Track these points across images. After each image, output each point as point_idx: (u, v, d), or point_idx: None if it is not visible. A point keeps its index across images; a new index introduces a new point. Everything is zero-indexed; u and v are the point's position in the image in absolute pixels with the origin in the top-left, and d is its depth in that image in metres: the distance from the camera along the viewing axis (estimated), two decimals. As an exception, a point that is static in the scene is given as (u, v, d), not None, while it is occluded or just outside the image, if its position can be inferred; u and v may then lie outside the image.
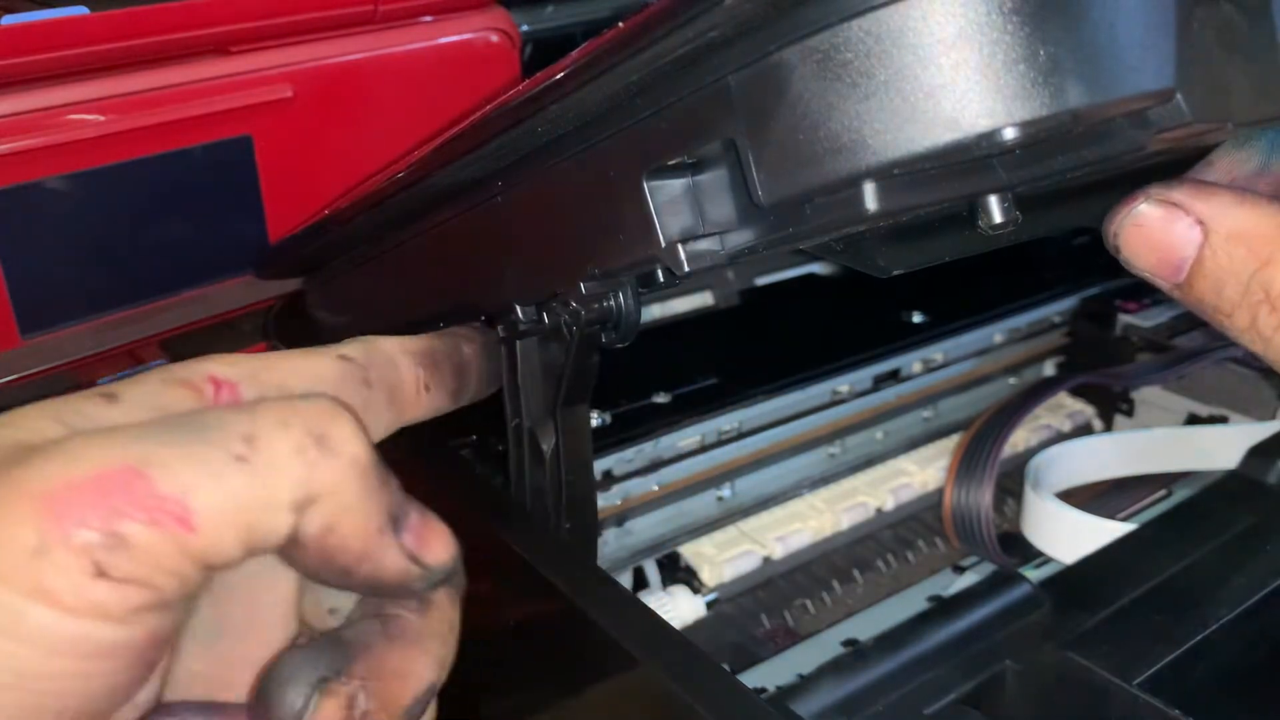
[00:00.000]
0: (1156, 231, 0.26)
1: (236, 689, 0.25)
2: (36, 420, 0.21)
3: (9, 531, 0.18)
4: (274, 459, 0.20)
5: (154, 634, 0.20)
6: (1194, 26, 0.23)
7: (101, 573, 0.19)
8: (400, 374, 0.29)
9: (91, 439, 0.20)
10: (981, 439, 0.47)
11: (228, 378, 0.24)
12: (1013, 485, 0.51)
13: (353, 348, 0.28)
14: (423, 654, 0.25)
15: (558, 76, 0.26)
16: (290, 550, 0.21)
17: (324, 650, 0.23)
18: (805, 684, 0.33)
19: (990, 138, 0.21)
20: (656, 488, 0.45)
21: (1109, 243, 0.27)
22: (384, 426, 0.28)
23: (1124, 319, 0.56)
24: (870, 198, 0.23)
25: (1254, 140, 0.28)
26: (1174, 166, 0.29)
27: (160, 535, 0.19)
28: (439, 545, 0.24)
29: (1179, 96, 0.23)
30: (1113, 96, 0.21)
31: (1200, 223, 0.26)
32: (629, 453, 0.44)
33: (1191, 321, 0.50)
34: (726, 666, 0.30)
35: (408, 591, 0.24)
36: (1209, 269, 0.25)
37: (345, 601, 0.27)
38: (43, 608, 0.18)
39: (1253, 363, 0.48)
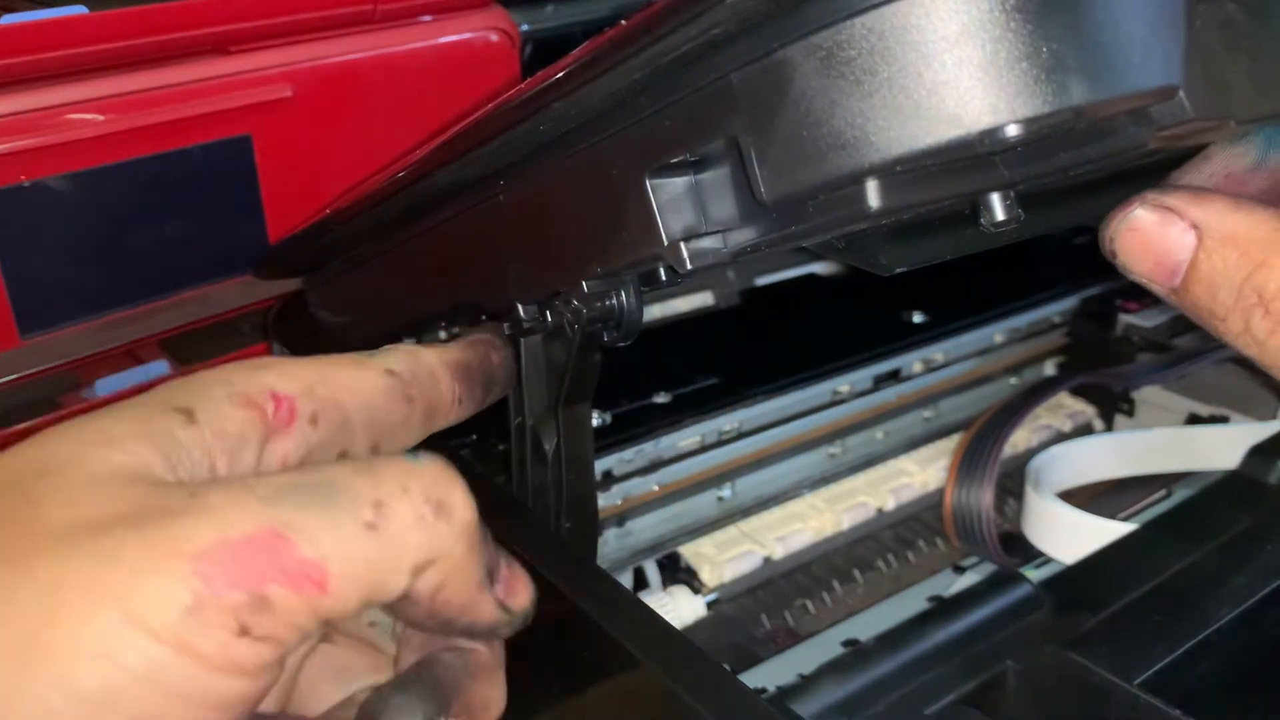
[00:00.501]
0: (1152, 236, 0.26)
1: (269, 695, 0.26)
2: (133, 443, 0.22)
3: (162, 587, 0.19)
4: (401, 527, 0.22)
5: (270, 685, 0.21)
6: (1196, 24, 0.23)
7: (245, 631, 0.20)
8: (440, 389, 0.29)
9: (234, 498, 0.21)
10: (982, 439, 0.47)
11: (286, 394, 0.25)
12: (1013, 485, 0.51)
13: (398, 360, 0.28)
14: (497, 684, 0.27)
15: (560, 74, 0.26)
16: (401, 605, 0.23)
17: (425, 691, 0.24)
18: (806, 684, 0.33)
19: (993, 135, 0.21)
20: (656, 488, 0.45)
21: (1105, 248, 0.27)
22: (416, 437, 0.29)
23: (1124, 319, 0.56)
24: (873, 195, 0.23)
25: (1251, 135, 0.28)
26: (1174, 164, 0.29)
27: (299, 597, 0.20)
28: (524, 591, 0.26)
29: (1181, 94, 0.23)
30: (1115, 94, 0.21)
31: (1195, 227, 0.26)
32: (629, 452, 0.44)
33: (1191, 322, 0.50)
34: (727, 667, 0.30)
35: (495, 636, 0.26)
36: (1203, 273, 0.26)
37: (383, 614, 0.28)
38: (187, 661, 0.19)
39: (1255, 364, 0.48)
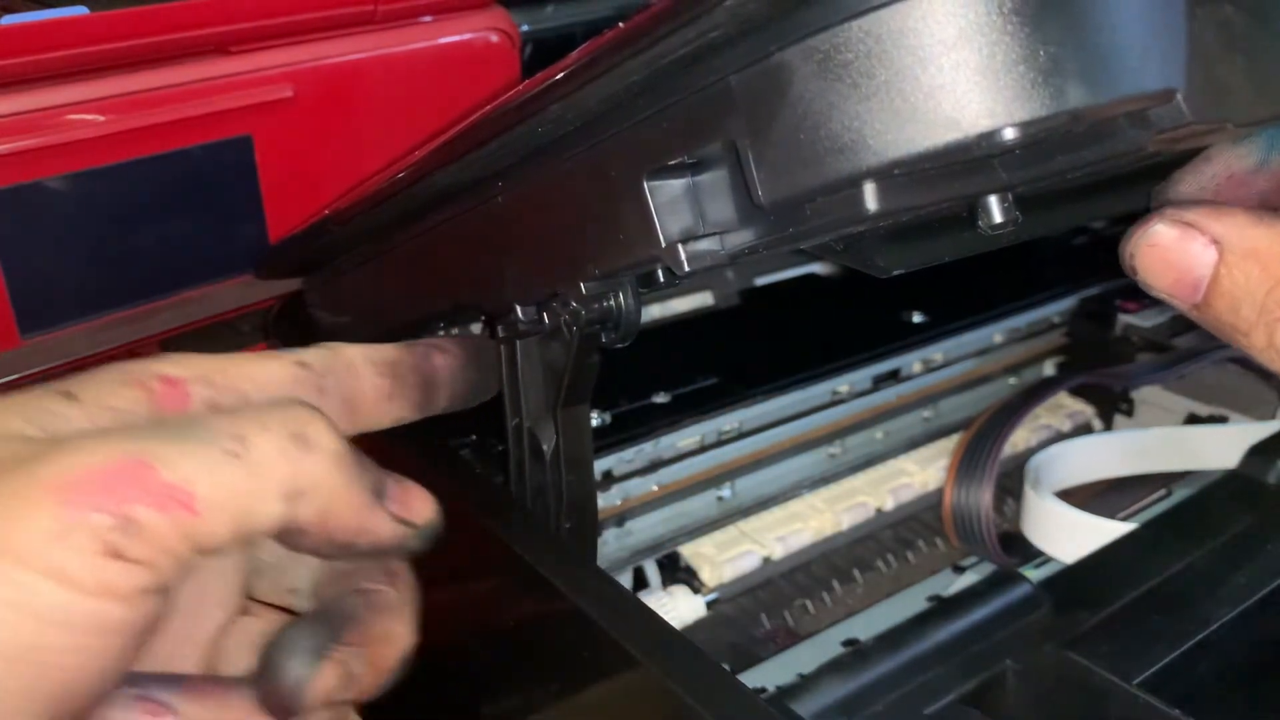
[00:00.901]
0: (1172, 252, 0.26)
1: (182, 665, 0.27)
2: (6, 417, 0.23)
3: (28, 516, 0.20)
4: (263, 455, 0.23)
5: (150, 614, 0.22)
6: (1194, 26, 0.23)
7: (114, 553, 0.20)
8: (360, 383, 0.30)
9: (96, 436, 0.22)
10: (981, 439, 0.47)
11: (177, 377, 0.26)
12: (1013, 485, 0.51)
13: (312, 354, 0.29)
14: (401, 619, 0.27)
15: (558, 76, 0.26)
16: (296, 537, 0.24)
17: (320, 624, 0.25)
18: (805, 684, 0.33)
19: (990, 138, 0.21)
20: (656, 488, 0.45)
21: (1125, 264, 0.27)
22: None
23: (1124, 319, 0.56)
24: (870, 198, 0.23)
25: (1252, 137, 0.28)
26: (1174, 167, 0.29)
27: (167, 519, 0.21)
28: (421, 504, 0.27)
29: (1179, 97, 0.23)
30: (1113, 97, 0.21)
31: (1215, 242, 0.26)
32: (629, 453, 0.44)
33: (1191, 322, 0.50)
34: (726, 666, 0.30)
35: (405, 551, 0.27)
36: (1225, 288, 0.26)
37: (303, 581, 0.30)
38: (57, 586, 0.20)
39: (1254, 364, 0.48)
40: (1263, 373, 0.50)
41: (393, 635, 0.27)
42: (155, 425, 0.23)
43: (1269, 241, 0.25)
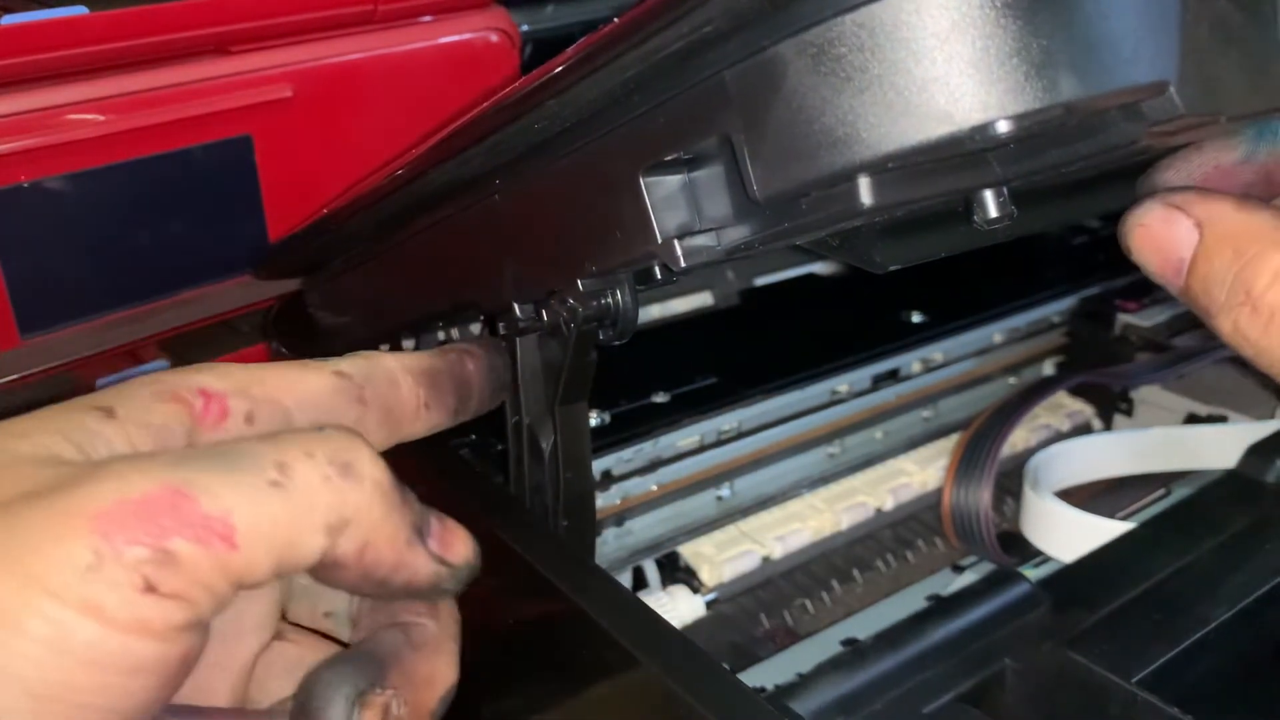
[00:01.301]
0: (1159, 233, 0.26)
1: (215, 694, 0.26)
2: (43, 435, 0.22)
3: (62, 549, 0.19)
4: (306, 484, 0.22)
5: (188, 651, 0.21)
6: (1187, 19, 0.23)
7: (150, 588, 0.19)
8: (400, 393, 0.29)
9: (134, 463, 0.21)
10: (981, 439, 0.47)
11: (217, 390, 0.25)
12: (1012, 485, 0.51)
13: (351, 363, 0.28)
14: (443, 657, 0.27)
15: (554, 73, 0.26)
16: (331, 572, 0.23)
17: (359, 663, 0.25)
18: (804, 683, 0.33)
19: (984, 131, 0.21)
20: (655, 487, 0.45)
21: (1123, 244, 0.27)
22: (377, 444, 0.28)
23: (1123, 318, 0.56)
24: (865, 192, 0.23)
25: (1242, 129, 0.28)
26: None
27: (205, 553, 0.20)
28: (461, 545, 0.26)
29: (1172, 90, 0.23)
30: (1106, 89, 0.21)
31: (1199, 225, 0.26)
32: (628, 452, 0.44)
33: (1190, 321, 0.51)
34: (726, 666, 0.30)
35: (440, 593, 0.25)
36: (1201, 271, 0.26)
37: (340, 604, 0.28)
38: (92, 623, 0.19)
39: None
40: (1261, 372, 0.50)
41: (435, 676, 0.26)
42: (196, 453, 0.22)
43: (1246, 226, 0.25)
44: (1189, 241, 0.26)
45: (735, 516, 0.47)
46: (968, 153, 0.23)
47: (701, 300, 0.57)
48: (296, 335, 0.49)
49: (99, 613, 0.19)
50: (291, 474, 0.22)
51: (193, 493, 0.20)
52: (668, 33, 0.23)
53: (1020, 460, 0.50)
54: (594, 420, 0.45)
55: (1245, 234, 0.25)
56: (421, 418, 0.30)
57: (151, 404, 0.24)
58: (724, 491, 0.48)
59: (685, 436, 0.46)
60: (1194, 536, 0.37)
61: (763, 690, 0.36)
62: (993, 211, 0.23)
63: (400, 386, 0.29)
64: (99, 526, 0.19)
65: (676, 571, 0.45)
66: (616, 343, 0.32)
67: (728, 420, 0.47)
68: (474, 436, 0.42)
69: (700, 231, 0.27)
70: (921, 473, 0.50)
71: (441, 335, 0.39)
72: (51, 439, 0.22)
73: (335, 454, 0.22)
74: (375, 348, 0.32)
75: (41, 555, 0.19)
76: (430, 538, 0.25)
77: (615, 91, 0.26)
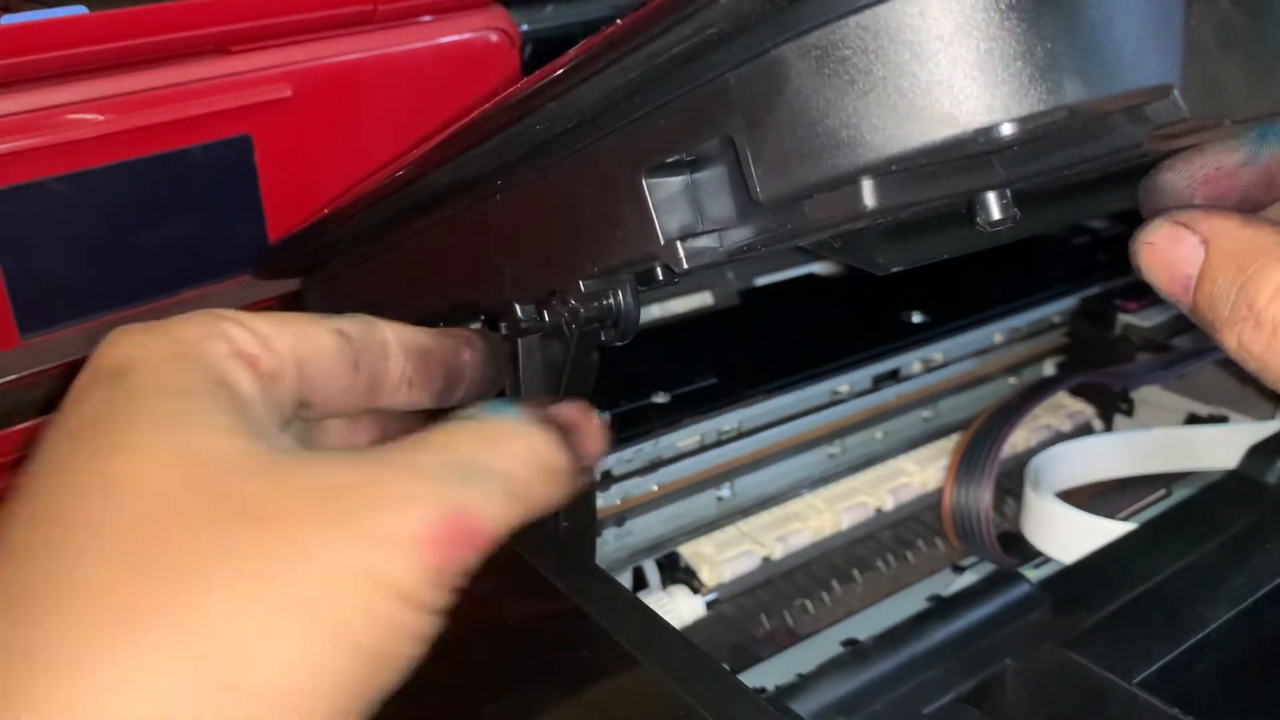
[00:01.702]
0: (1166, 251, 0.26)
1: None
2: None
3: (399, 564, 0.23)
4: (532, 494, 0.26)
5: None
6: (1191, 23, 0.23)
7: (450, 587, 0.24)
8: (386, 364, 0.30)
9: (414, 485, 0.24)
10: (981, 439, 0.47)
11: (251, 351, 0.27)
12: (1013, 485, 0.51)
13: (351, 324, 0.29)
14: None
15: (556, 74, 0.26)
16: None
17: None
18: (805, 683, 0.33)
19: (988, 133, 0.21)
20: (656, 488, 0.45)
21: (1133, 262, 0.27)
22: (355, 408, 0.30)
23: (1123, 318, 0.56)
24: (868, 194, 0.23)
25: (1245, 131, 0.28)
26: None
27: (477, 555, 0.25)
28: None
29: (1176, 93, 0.23)
30: (1110, 92, 0.21)
31: (1204, 241, 0.26)
32: (628, 452, 0.44)
33: (1190, 321, 0.51)
34: (726, 666, 0.30)
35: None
36: (1207, 288, 0.26)
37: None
38: (418, 614, 0.24)
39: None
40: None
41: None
42: (453, 469, 0.25)
43: (1249, 242, 0.25)
44: (1195, 258, 0.26)
45: (735, 517, 0.47)
46: (971, 155, 0.23)
47: (701, 300, 0.57)
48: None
49: (421, 605, 0.23)
50: (520, 484, 0.26)
51: (471, 514, 0.24)
52: (671, 35, 0.23)
53: (1021, 460, 0.50)
54: (594, 420, 0.45)
55: (1249, 249, 0.25)
56: (402, 392, 0.31)
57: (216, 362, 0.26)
58: (724, 492, 0.48)
59: (685, 437, 0.46)
60: (1195, 537, 0.37)
61: (763, 691, 0.36)
62: (996, 213, 0.23)
63: (389, 357, 0.30)
64: (428, 550, 0.23)
65: (677, 572, 0.45)
66: (618, 344, 0.32)
67: (728, 420, 0.47)
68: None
69: (702, 233, 0.27)
70: (922, 473, 0.50)
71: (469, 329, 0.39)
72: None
73: (543, 460, 0.27)
74: None
75: (382, 559, 0.23)
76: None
77: (618, 93, 0.26)
